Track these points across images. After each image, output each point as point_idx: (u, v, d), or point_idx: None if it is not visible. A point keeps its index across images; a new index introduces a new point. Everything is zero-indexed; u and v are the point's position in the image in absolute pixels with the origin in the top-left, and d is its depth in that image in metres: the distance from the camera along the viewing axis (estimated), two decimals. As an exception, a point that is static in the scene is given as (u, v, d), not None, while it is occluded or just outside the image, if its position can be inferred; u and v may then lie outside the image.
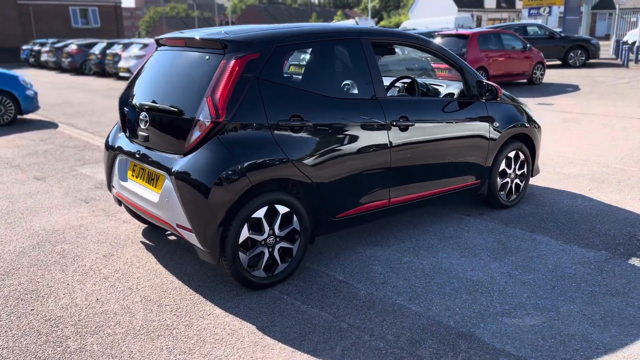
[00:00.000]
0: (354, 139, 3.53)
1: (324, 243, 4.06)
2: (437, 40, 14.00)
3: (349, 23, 44.90)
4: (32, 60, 30.80)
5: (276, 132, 3.21)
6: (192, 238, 3.18)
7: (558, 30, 24.21)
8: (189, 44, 3.51)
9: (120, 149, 3.81)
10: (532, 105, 11.29)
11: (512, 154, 4.69)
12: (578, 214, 4.63)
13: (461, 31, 14.18)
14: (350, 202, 3.62)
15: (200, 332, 2.88)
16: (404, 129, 3.78)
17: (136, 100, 3.69)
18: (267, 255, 3.29)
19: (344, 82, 3.79)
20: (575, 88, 14.01)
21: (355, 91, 3.68)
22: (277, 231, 3.30)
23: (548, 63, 20.23)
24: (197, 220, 3.08)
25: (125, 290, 3.37)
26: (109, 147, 3.96)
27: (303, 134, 3.30)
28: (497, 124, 4.43)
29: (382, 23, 56.84)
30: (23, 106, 10.06)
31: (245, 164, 3.09)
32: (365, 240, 4.11)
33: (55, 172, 6.39)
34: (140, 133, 3.58)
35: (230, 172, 3.05)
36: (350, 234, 4.23)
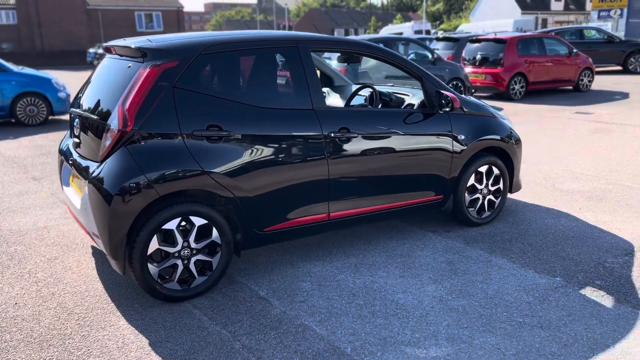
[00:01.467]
0: (283, 150, 3.41)
1: (265, 255, 3.95)
2: (475, 45, 13.54)
3: (406, 26, 44.32)
4: (96, 62, 32.41)
5: (190, 141, 3.15)
6: (102, 247, 3.16)
7: (621, 33, 22.87)
8: (118, 52, 3.52)
9: (64, 154, 3.86)
10: (568, 114, 10.68)
11: (483, 169, 4.40)
12: (553, 235, 4.28)
13: (500, 35, 13.63)
14: (279, 216, 3.50)
15: (91, 344, 2.85)
16: (344, 140, 3.62)
17: (74, 107, 3.74)
18: (181, 267, 3.23)
19: (277, 92, 3.67)
20: (624, 96, 13.14)
21: (289, 101, 3.55)
22: (192, 243, 3.23)
23: (607, 69, 19.16)
24: (103, 229, 3.06)
25: (48, 295, 3.40)
26: (59, 151, 4.03)
27: (223, 145, 3.22)
28: (462, 137, 4.17)
29: (443, 26, 55.75)
30: (55, 107, 10.54)
31: (153, 174, 3.05)
32: (310, 254, 3.97)
33: (55, 173, 6.61)
34: (74, 139, 3.63)
35: (135, 182, 3.01)
36: (296, 247, 4.10)
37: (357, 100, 4.60)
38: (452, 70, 11.96)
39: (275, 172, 3.39)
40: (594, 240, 4.15)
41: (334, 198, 3.67)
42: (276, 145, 3.38)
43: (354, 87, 4.99)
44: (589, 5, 46.20)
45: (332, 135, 3.56)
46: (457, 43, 15.48)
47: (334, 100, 5.05)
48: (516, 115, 10.74)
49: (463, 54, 13.92)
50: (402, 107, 4.33)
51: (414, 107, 4.20)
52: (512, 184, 4.68)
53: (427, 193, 4.15)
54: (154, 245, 3.12)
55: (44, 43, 39.69)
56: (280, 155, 3.39)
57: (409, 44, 12.50)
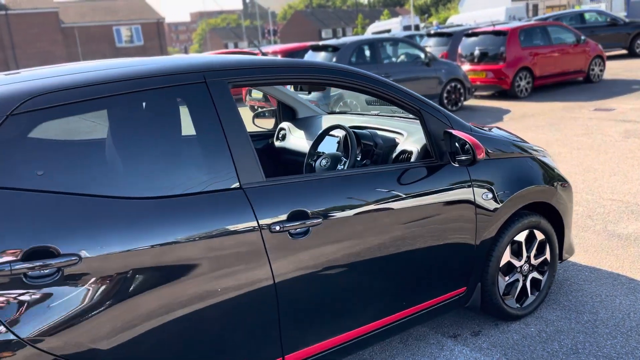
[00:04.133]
0: (177, 271, 1.91)
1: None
2: (472, 39, 12.06)
3: (394, 22, 42.72)
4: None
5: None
6: None
7: (623, 14, 21.44)
8: None
9: None
10: (587, 112, 9.20)
11: (522, 236, 2.92)
12: (638, 331, 2.80)
13: (499, 27, 12.15)
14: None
15: None
16: (299, 234, 2.14)
17: None
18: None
19: (165, 169, 2.13)
20: (643, 85, 11.66)
21: (191, 179, 2.04)
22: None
23: (612, 53, 17.70)
24: None
25: None
26: None
27: (52, 289, 1.71)
28: (490, 196, 2.69)
29: (431, 19, 54.27)
30: None
31: None
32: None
33: None
34: None
35: None
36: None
37: (327, 145, 3.11)
38: (449, 71, 10.48)
39: (156, 316, 1.89)
40: None
41: (288, 330, 2.18)
42: (156, 266, 1.87)
43: (324, 121, 3.52)
44: (579, -13, 44.79)
45: (277, 228, 2.08)
46: (451, 38, 14.00)
47: (296, 141, 3.57)
48: (527, 118, 9.27)
49: (459, 50, 12.44)
50: (394, 155, 2.83)
51: (412, 156, 2.71)
52: (563, 250, 3.20)
53: (440, 289, 2.67)
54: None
55: (19, 65, 38.11)
56: (172, 284, 1.89)
57: (398, 44, 11.02)
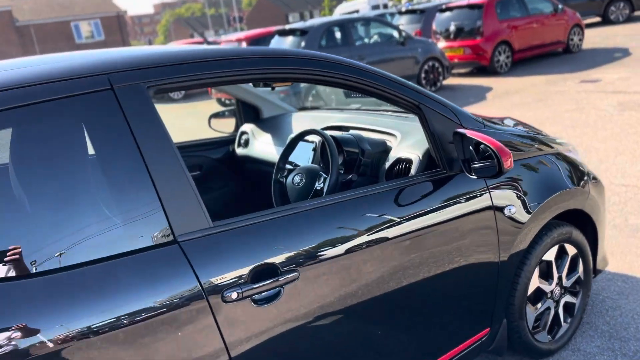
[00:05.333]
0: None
1: None
2: (446, 15, 11.43)
3: (362, 2, 41.49)
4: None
5: None
6: None
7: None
8: None
9: None
10: (573, 85, 8.69)
11: (551, 254, 2.32)
12: (703, 368, 2.24)
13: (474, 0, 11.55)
14: None
15: None
16: (267, 297, 1.49)
17: None
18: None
19: (52, 226, 1.43)
20: (624, 53, 11.21)
21: (95, 237, 1.36)
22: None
23: (586, 21, 17.27)
24: None
25: None
26: None
27: None
28: (513, 209, 2.07)
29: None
30: None
31: None
32: None
33: None
34: None
35: None
36: None
37: (300, 153, 2.44)
38: (426, 49, 9.86)
39: None
40: None
41: None
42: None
43: (295, 120, 2.86)
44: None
45: (234, 295, 1.43)
46: (424, 15, 13.35)
47: (262, 147, 2.91)
48: (511, 95, 8.73)
49: (433, 27, 11.82)
50: (387, 164, 2.17)
51: (412, 166, 2.06)
52: (596, 264, 2.62)
53: (458, 336, 2.05)
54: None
55: (-26, 69, 36.37)
56: None
57: (370, 24, 10.33)
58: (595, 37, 14.04)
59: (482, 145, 1.85)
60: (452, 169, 1.95)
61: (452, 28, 11.19)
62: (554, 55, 12.21)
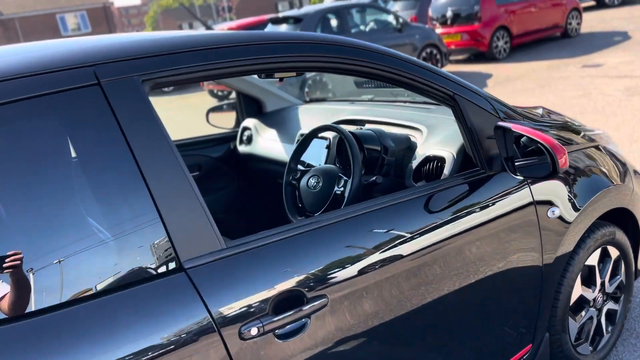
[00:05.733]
0: None
1: None
2: (442, 0, 11.15)
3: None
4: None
5: None
6: None
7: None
8: None
9: None
10: (575, 70, 8.47)
11: (594, 258, 2.09)
12: None
13: (470, -16, 11.26)
14: None
15: None
16: (292, 331, 1.25)
17: None
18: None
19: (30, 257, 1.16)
20: (624, 37, 11.01)
21: (81, 269, 1.09)
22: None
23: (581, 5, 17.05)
24: None
25: None
26: None
27: None
28: (557, 210, 1.83)
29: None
30: None
31: None
32: None
33: None
34: None
35: None
36: None
37: (313, 152, 2.18)
38: (424, 35, 9.59)
39: None
40: None
41: None
42: None
43: (302, 114, 2.60)
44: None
45: (254, 331, 1.19)
46: (419, 0, 13.05)
47: (266, 144, 2.66)
48: (512, 82, 8.50)
49: (429, 13, 11.55)
50: (414, 163, 1.92)
51: (445, 165, 1.81)
52: (637, 265, 2.40)
53: (497, 356, 1.82)
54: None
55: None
56: None
57: (366, 10, 10.04)
58: (591, 21, 13.82)
59: (525, 140, 1.61)
60: (491, 168, 1.71)
61: (449, 13, 10.92)
62: (552, 39, 11.98)
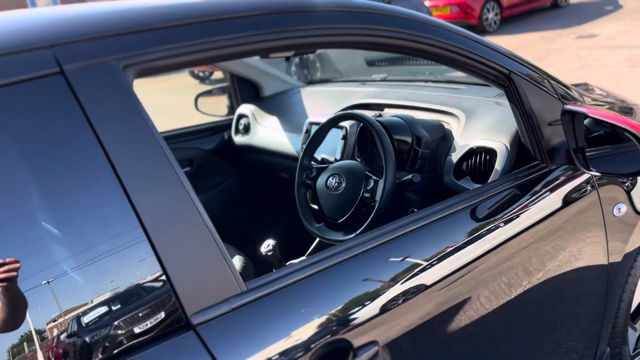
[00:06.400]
0: None
1: None
2: (429, -29, 10.74)
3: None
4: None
5: None
6: None
7: None
8: None
9: None
10: (570, 41, 8.21)
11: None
12: None
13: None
14: None
15: None
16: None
17: None
18: None
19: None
20: (615, 5, 10.77)
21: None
22: None
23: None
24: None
25: None
26: None
27: None
28: (624, 207, 1.55)
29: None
30: None
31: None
32: None
33: None
34: None
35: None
36: None
37: (326, 143, 1.84)
38: (413, 8, 9.15)
39: None
40: None
41: None
42: None
43: (305, 97, 2.26)
44: None
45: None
46: (405, -28, 12.60)
47: (266, 133, 2.32)
48: (507, 55, 8.19)
49: (416, -15, 11.13)
50: (456, 157, 1.59)
51: (496, 159, 1.49)
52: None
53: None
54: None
55: None
56: None
57: (352, -17, 9.60)
58: (580, -10, 13.55)
59: (593, 125, 1.31)
60: (553, 162, 1.41)
61: (437, -15, 10.54)
62: (542, 10, 11.70)
